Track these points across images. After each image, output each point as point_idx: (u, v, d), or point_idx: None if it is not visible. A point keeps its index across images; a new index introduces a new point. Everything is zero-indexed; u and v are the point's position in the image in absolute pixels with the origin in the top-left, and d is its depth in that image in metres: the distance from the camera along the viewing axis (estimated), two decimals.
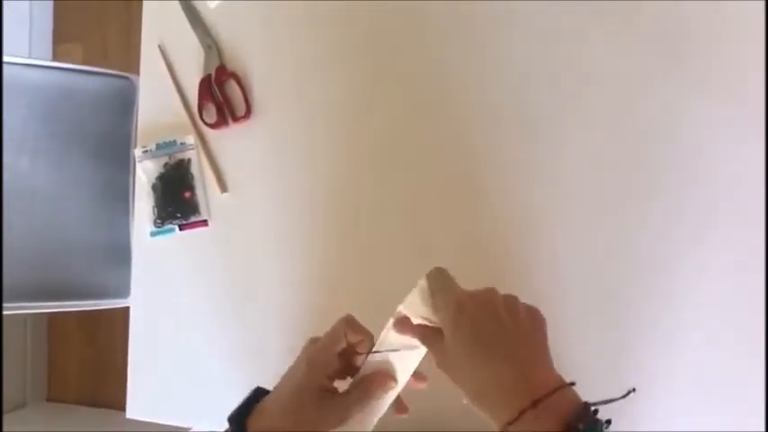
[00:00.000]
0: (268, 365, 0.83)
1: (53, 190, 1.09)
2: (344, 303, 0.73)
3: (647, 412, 0.74)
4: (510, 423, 0.46)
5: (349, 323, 0.58)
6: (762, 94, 0.72)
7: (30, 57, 1.08)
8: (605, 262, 0.76)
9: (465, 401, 0.53)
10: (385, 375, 0.58)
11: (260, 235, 0.86)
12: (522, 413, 0.46)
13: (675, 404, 0.74)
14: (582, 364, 0.75)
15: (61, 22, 1.94)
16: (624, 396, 0.51)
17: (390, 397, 0.59)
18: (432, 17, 0.82)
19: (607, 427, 0.46)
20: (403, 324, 0.57)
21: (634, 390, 0.52)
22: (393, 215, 0.82)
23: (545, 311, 0.56)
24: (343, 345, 0.57)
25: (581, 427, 0.44)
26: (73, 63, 1.13)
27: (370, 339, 0.58)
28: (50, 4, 1.92)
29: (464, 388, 0.52)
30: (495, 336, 0.50)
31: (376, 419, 0.59)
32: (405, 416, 0.61)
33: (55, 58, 1.86)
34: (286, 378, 0.59)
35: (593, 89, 0.77)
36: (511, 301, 0.53)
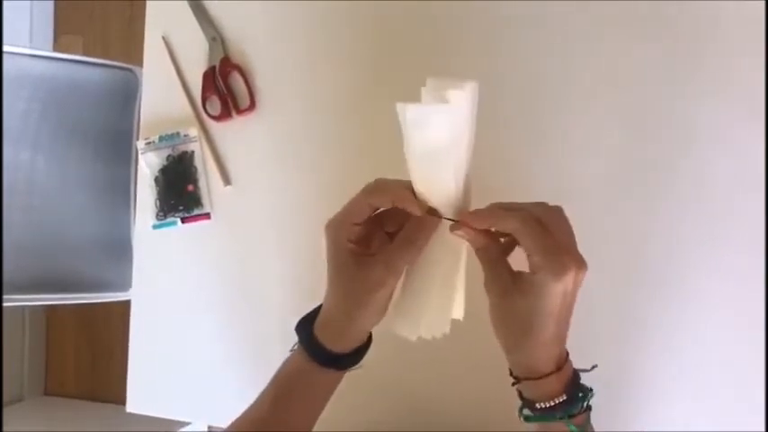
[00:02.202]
0: (270, 359, 0.83)
1: (54, 182, 1.09)
2: None
3: (647, 412, 0.74)
4: (523, 379, 0.51)
5: (366, 189, 0.52)
6: (762, 93, 0.72)
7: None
8: (606, 261, 0.76)
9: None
10: (426, 217, 0.51)
11: (263, 228, 0.85)
12: (543, 377, 0.50)
13: (675, 404, 0.74)
14: (583, 363, 0.75)
15: (62, 14, 1.93)
16: (590, 369, 0.55)
17: (446, 247, 0.52)
18: (438, 13, 0.81)
19: (591, 395, 0.52)
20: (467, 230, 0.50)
21: (596, 365, 0.55)
22: None
23: None
24: (365, 212, 0.52)
25: (580, 395, 0.51)
26: (74, 55, 1.12)
27: (403, 197, 0.51)
28: None
29: (492, 320, 0.51)
30: (565, 318, 0.50)
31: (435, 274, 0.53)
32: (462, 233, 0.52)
33: (55, 51, 1.85)
34: (327, 267, 0.54)
35: (600, 90, 0.76)
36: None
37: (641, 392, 0.75)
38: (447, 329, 0.55)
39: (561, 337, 0.51)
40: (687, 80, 0.74)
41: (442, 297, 0.53)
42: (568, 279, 0.47)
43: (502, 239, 0.53)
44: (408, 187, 0.52)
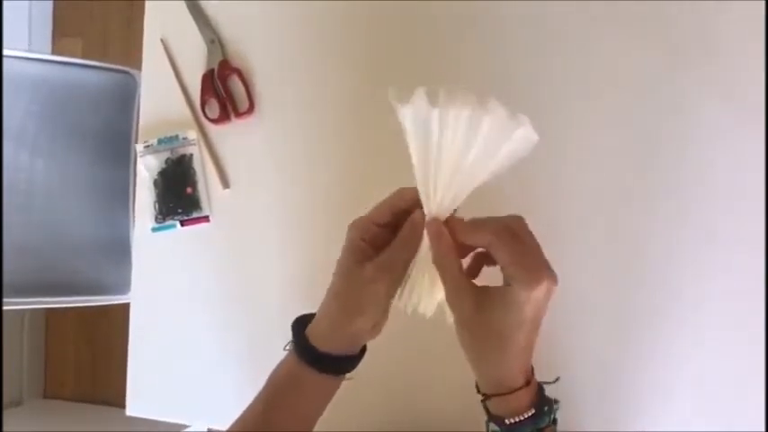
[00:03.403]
0: (270, 363, 0.83)
1: (53, 185, 1.08)
2: None
3: (647, 412, 0.74)
4: (492, 396, 0.51)
5: (398, 193, 0.54)
6: (762, 94, 0.72)
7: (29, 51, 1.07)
8: (606, 262, 0.76)
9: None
10: (418, 216, 0.52)
11: (262, 231, 0.85)
12: (513, 391, 0.50)
13: (675, 404, 0.74)
14: (583, 363, 0.75)
15: (61, 17, 1.93)
16: (553, 382, 0.55)
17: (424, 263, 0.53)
18: (438, 14, 0.81)
19: (557, 407, 0.52)
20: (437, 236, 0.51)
21: (558, 378, 0.55)
22: None
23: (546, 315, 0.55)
24: (386, 213, 0.54)
25: (546, 408, 0.51)
26: (73, 58, 1.12)
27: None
28: None
29: (459, 335, 0.51)
30: (535, 331, 0.50)
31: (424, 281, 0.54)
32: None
33: (54, 53, 1.84)
34: (333, 278, 0.56)
35: (598, 90, 0.76)
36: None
37: (641, 393, 0.75)
38: (431, 312, 0.55)
39: (530, 350, 0.51)
40: (687, 80, 0.74)
41: (433, 281, 0.54)
42: (542, 290, 0.47)
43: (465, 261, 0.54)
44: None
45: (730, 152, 0.73)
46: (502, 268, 0.49)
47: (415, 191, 0.53)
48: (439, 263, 0.51)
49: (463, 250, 0.53)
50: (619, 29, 0.76)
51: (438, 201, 0.52)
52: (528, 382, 0.50)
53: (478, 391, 0.53)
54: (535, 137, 0.50)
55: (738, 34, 0.74)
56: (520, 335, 0.48)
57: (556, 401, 0.52)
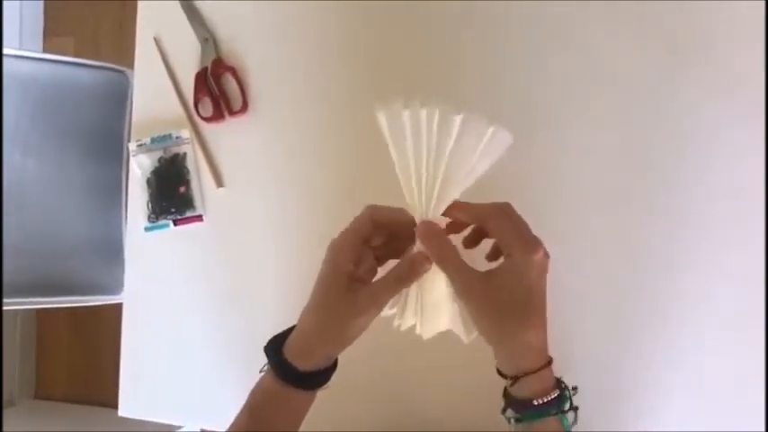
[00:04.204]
0: (262, 362, 0.83)
1: (45, 185, 1.08)
2: None
3: (647, 412, 0.74)
4: (521, 376, 0.51)
5: (373, 208, 0.54)
6: (762, 94, 0.72)
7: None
8: (606, 262, 0.76)
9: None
10: (419, 256, 0.53)
11: (256, 231, 0.85)
12: (538, 370, 0.51)
13: (676, 404, 0.74)
14: (582, 363, 0.75)
15: (52, 16, 1.91)
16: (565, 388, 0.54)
17: (430, 287, 0.54)
18: (434, 13, 0.81)
19: (575, 392, 0.52)
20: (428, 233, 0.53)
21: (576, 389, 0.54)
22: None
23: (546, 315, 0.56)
24: (369, 229, 0.54)
25: (566, 391, 0.52)
26: (65, 56, 1.11)
27: (403, 221, 0.54)
28: None
29: (479, 324, 0.53)
30: (533, 312, 0.51)
31: (413, 313, 0.55)
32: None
33: (46, 52, 1.83)
34: (316, 282, 0.55)
35: (598, 90, 0.76)
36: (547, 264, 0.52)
37: (641, 393, 0.75)
38: (428, 335, 0.57)
39: (545, 323, 0.52)
40: (687, 80, 0.74)
41: (433, 305, 0.55)
42: (540, 255, 0.50)
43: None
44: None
45: (730, 152, 0.73)
46: (500, 241, 0.53)
47: (391, 212, 0.54)
48: (442, 263, 0.52)
49: (456, 227, 0.56)
50: (618, 29, 0.76)
51: (424, 204, 0.53)
52: (550, 362, 0.52)
53: (504, 376, 0.53)
54: (509, 137, 0.53)
55: (738, 34, 0.74)
56: (533, 300, 0.51)
57: (575, 388, 0.53)
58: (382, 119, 0.53)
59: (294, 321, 0.82)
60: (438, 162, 0.51)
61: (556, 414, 0.51)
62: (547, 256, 0.51)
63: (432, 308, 0.54)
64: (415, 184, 0.53)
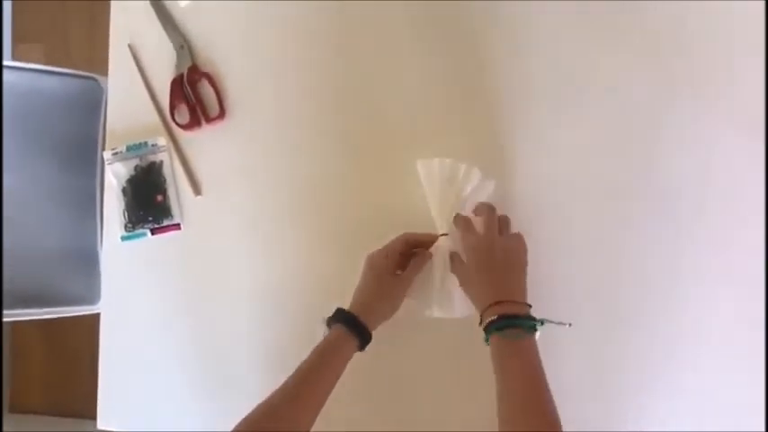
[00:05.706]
0: (241, 373, 0.82)
1: (18, 194, 1.05)
2: (321, 307, 0.72)
3: (647, 412, 0.75)
4: (508, 301, 0.67)
5: (408, 234, 0.77)
6: (762, 94, 0.74)
7: None
8: (606, 263, 0.77)
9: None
10: (422, 255, 0.78)
11: (234, 239, 0.84)
12: (520, 302, 0.67)
13: (676, 404, 0.75)
14: (582, 362, 0.76)
15: (20, 22, 1.88)
16: (559, 323, 0.66)
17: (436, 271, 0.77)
18: (410, 16, 0.81)
19: (541, 324, 0.65)
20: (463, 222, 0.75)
21: (570, 324, 0.66)
22: (372, 216, 0.81)
23: (546, 314, 0.65)
24: (403, 247, 0.76)
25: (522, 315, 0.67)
26: (34, 64, 1.09)
27: (425, 241, 0.78)
28: (9, 4, 1.86)
29: (464, 285, 0.74)
30: (492, 270, 0.70)
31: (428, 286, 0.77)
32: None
33: (15, 60, 1.80)
34: (361, 283, 0.76)
35: (598, 92, 0.78)
36: (509, 244, 0.71)
37: (641, 393, 0.76)
38: (452, 314, 0.76)
39: (525, 278, 0.70)
40: (686, 81, 0.76)
41: (443, 289, 0.78)
42: (473, 240, 0.72)
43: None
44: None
45: (730, 154, 0.74)
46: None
47: (418, 235, 0.78)
48: (458, 222, 0.75)
49: None
50: (617, 34, 0.77)
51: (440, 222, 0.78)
52: (503, 302, 0.67)
53: (486, 308, 0.67)
54: (491, 186, 0.77)
55: (738, 34, 0.75)
56: (471, 267, 0.72)
57: (542, 322, 0.65)
58: (419, 166, 0.78)
59: (270, 330, 0.83)
60: (448, 195, 0.77)
61: (530, 327, 0.65)
62: (488, 239, 0.71)
63: (438, 292, 0.77)
64: (437, 209, 0.78)
